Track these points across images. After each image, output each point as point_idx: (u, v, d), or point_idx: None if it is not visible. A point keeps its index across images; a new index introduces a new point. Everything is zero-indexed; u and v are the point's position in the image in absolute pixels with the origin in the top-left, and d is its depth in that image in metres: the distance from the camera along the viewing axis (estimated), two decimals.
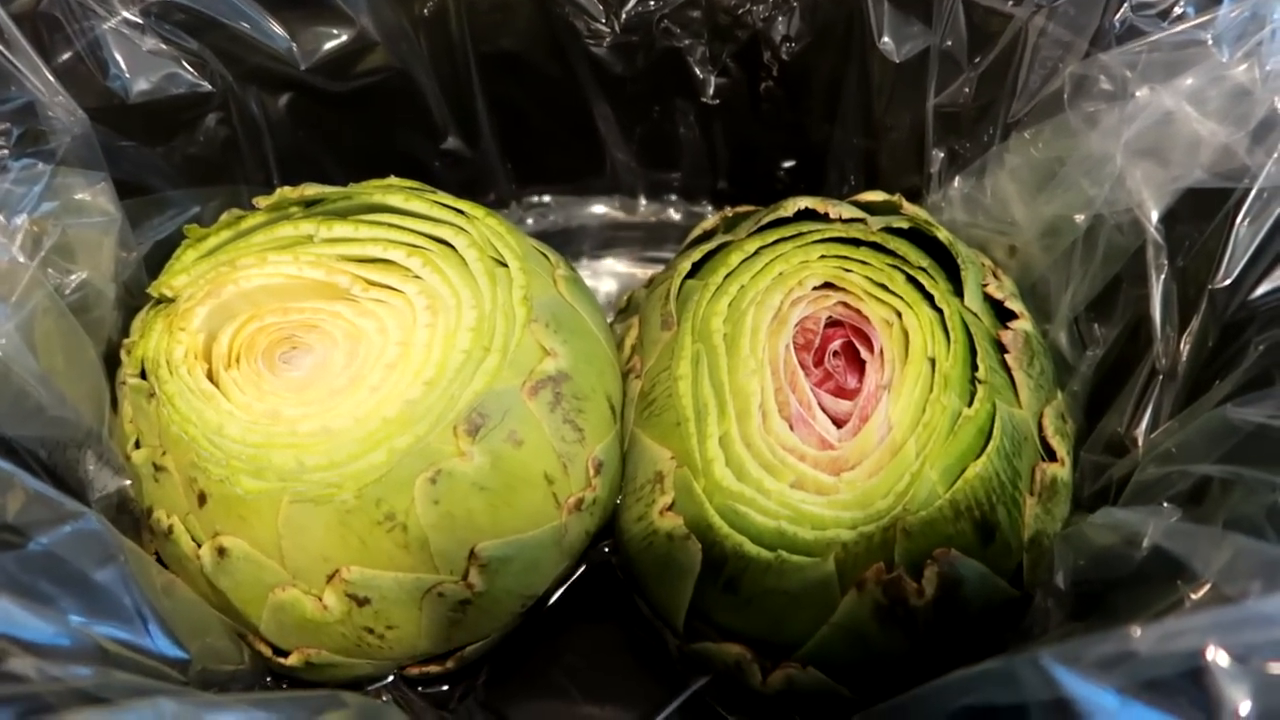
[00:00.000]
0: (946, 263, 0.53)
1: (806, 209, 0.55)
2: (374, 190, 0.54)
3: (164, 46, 0.55)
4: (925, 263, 0.52)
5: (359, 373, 0.47)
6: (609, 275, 0.76)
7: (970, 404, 0.48)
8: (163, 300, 0.51)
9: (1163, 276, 0.50)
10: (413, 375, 0.46)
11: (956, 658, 0.45)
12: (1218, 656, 0.30)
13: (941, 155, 0.60)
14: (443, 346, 0.47)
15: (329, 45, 0.59)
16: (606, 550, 0.57)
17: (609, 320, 0.62)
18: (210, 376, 0.48)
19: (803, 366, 0.50)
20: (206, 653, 0.45)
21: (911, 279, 0.52)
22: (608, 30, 0.63)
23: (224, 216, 0.53)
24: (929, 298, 0.51)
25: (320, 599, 0.46)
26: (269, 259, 0.51)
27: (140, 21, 0.54)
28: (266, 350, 0.49)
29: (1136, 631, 0.32)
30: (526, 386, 0.47)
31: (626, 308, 0.63)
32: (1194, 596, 0.35)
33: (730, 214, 0.60)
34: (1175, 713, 0.30)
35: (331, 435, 0.45)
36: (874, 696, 0.47)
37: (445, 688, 0.56)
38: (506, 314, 0.48)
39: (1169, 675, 0.31)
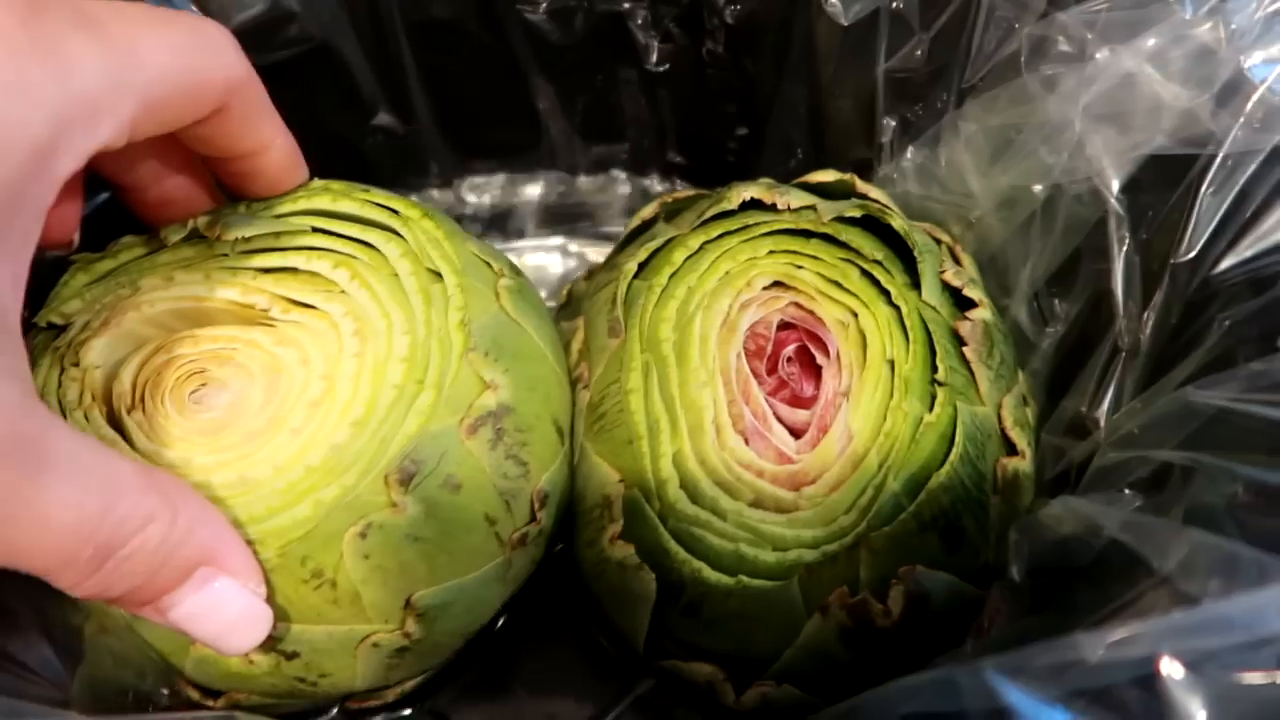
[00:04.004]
0: (902, 249, 0.50)
1: (753, 199, 0.51)
2: (298, 195, 0.49)
3: None
4: (880, 254, 0.49)
5: (279, 413, 0.43)
6: (555, 253, 0.72)
7: (931, 409, 0.46)
8: (51, 328, 0.46)
9: (1124, 249, 0.48)
10: (339, 415, 0.42)
11: (923, 660, 0.44)
12: (1169, 665, 0.29)
13: (893, 124, 0.57)
14: (372, 380, 0.43)
15: (241, 16, 0.55)
16: (560, 550, 0.54)
17: (553, 311, 0.58)
18: (112, 420, 0.43)
19: (755, 375, 0.47)
20: (114, 672, 0.42)
21: (867, 274, 0.49)
22: None
23: (123, 240, 0.48)
24: (885, 294, 0.48)
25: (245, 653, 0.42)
26: (176, 279, 0.46)
27: None
28: (174, 388, 0.44)
29: (1083, 638, 0.30)
30: (465, 425, 0.43)
31: (567, 303, 0.59)
32: (1149, 595, 0.33)
33: (670, 199, 0.56)
34: None
35: (249, 486, 0.41)
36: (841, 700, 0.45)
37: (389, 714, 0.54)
38: (442, 341, 0.44)
39: (1118, 684, 0.29)
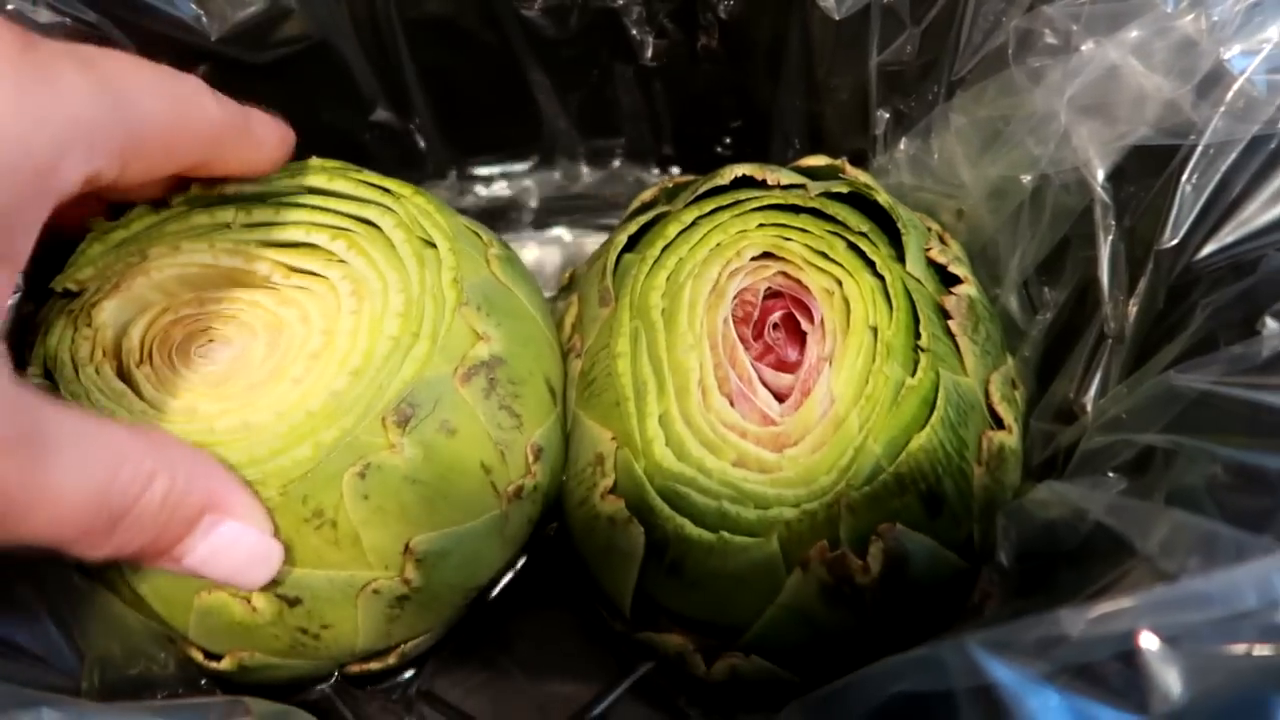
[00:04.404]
0: (889, 227, 0.52)
1: (744, 176, 0.53)
2: (295, 172, 0.51)
3: (60, 19, 0.52)
4: (866, 227, 0.51)
5: (280, 364, 0.45)
6: (554, 245, 0.74)
7: (913, 373, 0.47)
8: (66, 294, 0.48)
9: (1110, 237, 0.49)
10: (338, 365, 0.44)
11: (907, 634, 0.45)
12: (1149, 639, 0.30)
13: (886, 116, 0.58)
14: (369, 334, 0.45)
15: (242, 14, 0.56)
16: (554, 530, 0.55)
17: (553, 297, 0.60)
18: (121, 374, 0.45)
19: (742, 340, 0.49)
20: (122, 659, 0.43)
21: (852, 245, 0.50)
22: None
23: (135, 210, 0.50)
24: (870, 264, 0.49)
25: (249, 601, 0.44)
26: (183, 247, 0.48)
27: None
28: (181, 344, 0.46)
29: (1065, 615, 0.31)
30: (459, 373, 0.45)
31: (569, 285, 0.61)
32: (1132, 574, 0.34)
33: (670, 184, 0.58)
34: (1105, 698, 0.29)
35: (251, 431, 0.43)
36: (821, 678, 0.46)
37: (391, 682, 0.55)
38: (436, 298, 0.46)
39: (1100, 659, 0.30)
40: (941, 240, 0.53)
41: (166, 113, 0.40)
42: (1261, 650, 0.29)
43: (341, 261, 0.48)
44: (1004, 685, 0.30)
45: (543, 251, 0.73)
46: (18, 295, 0.51)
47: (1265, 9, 0.44)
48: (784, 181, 0.52)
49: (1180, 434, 0.39)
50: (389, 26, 0.62)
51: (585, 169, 0.73)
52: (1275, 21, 0.44)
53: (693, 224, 0.52)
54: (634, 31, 0.63)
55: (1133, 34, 0.46)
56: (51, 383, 0.46)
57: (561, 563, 0.54)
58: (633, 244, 0.54)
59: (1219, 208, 0.44)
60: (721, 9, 0.60)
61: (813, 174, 0.54)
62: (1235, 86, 0.44)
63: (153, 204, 0.50)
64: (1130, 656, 0.30)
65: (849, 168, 0.54)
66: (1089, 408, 0.49)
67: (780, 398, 0.48)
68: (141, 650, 0.46)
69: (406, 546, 0.44)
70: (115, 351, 0.46)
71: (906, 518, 0.45)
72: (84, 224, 0.49)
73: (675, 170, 0.72)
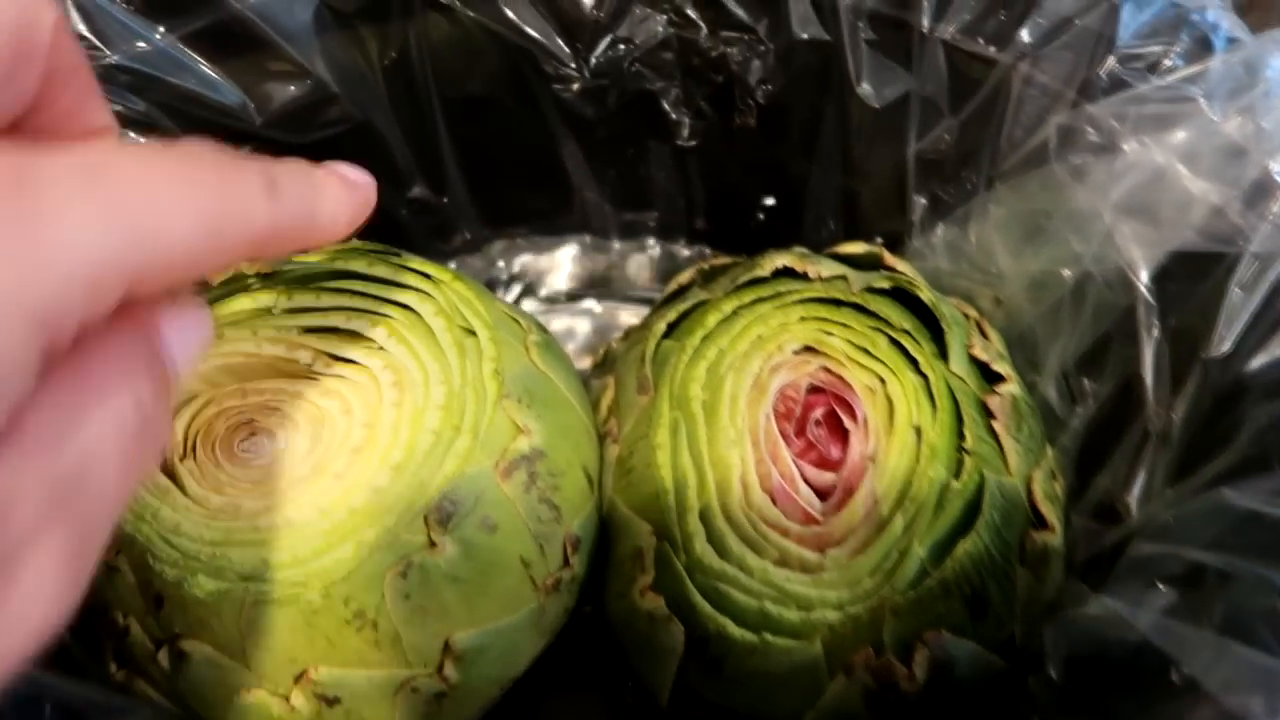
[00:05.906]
0: (931, 321, 0.52)
1: (785, 267, 0.53)
2: (334, 255, 0.52)
3: (112, 108, 0.52)
4: (909, 324, 0.51)
5: (322, 459, 0.45)
6: (585, 316, 0.74)
7: (958, 476, 0.46)
8: None
9: (1154, 337, 0.48)
10: (380, 459, 0.44)
11: None
12: None
13: (923, 201, 0.59)
14: (411, 427, 0.45)
15: (285, 98, 0.57)
16: (588, 610, 0.55)
17: (586, 372, 0.60)
18: (165, 468, 0.45)
19: (784, 436, 0.48)
20: None
21: (895, 342, 0.50)
22: (577, 75, 0.61)
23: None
24: (913, 362, 0.49)
25: (287, 699, 0.43)
26: (227, 335, 0.48)
27: None
28: (224, 437, 0.46)
29: None
30: (500, 468, 0.45)
31: (603, 362, 0.61)
32: (1192, 711, 0.34)
33: (707, 267, 0.58)
34: None
35: (294, 529, 0.43)
36: None
37: None
38: (477, 390, 0.46)
39: None
40: (981, 331, 0.53)
41: (197, 233, 0.31)
42: None
43: (382, 349, 0.48)
44: None
45: (573, 321, 0.73)
46: None
47: None
48: (825, 274, 0.52)
49: (1234, 554, 0.39)
50: (428, 106, 0.63)
51: (617, 242, 0.73)
52: None
53: (733, 314, 0.52)
54: (671, 113, 0.63)
55: (1178, 137, 0.46)
56: None
57: (592, 644, 0.54)
58: (670, 331, 0.54)
59: (1269, 318, 0.44)
60: (760, 93, 0.60)
61: (852, 262, 0.54)
62: None
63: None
64: None
65: (888, 256, 0.54)
66: (1134, 508, 0.48)
67: (823, 495, 0.47)
68: None
69: (446, 644, 0.44)
70: None
71: (950, 622, 0.44)
72: None
73: (705, 243, 0.72)
